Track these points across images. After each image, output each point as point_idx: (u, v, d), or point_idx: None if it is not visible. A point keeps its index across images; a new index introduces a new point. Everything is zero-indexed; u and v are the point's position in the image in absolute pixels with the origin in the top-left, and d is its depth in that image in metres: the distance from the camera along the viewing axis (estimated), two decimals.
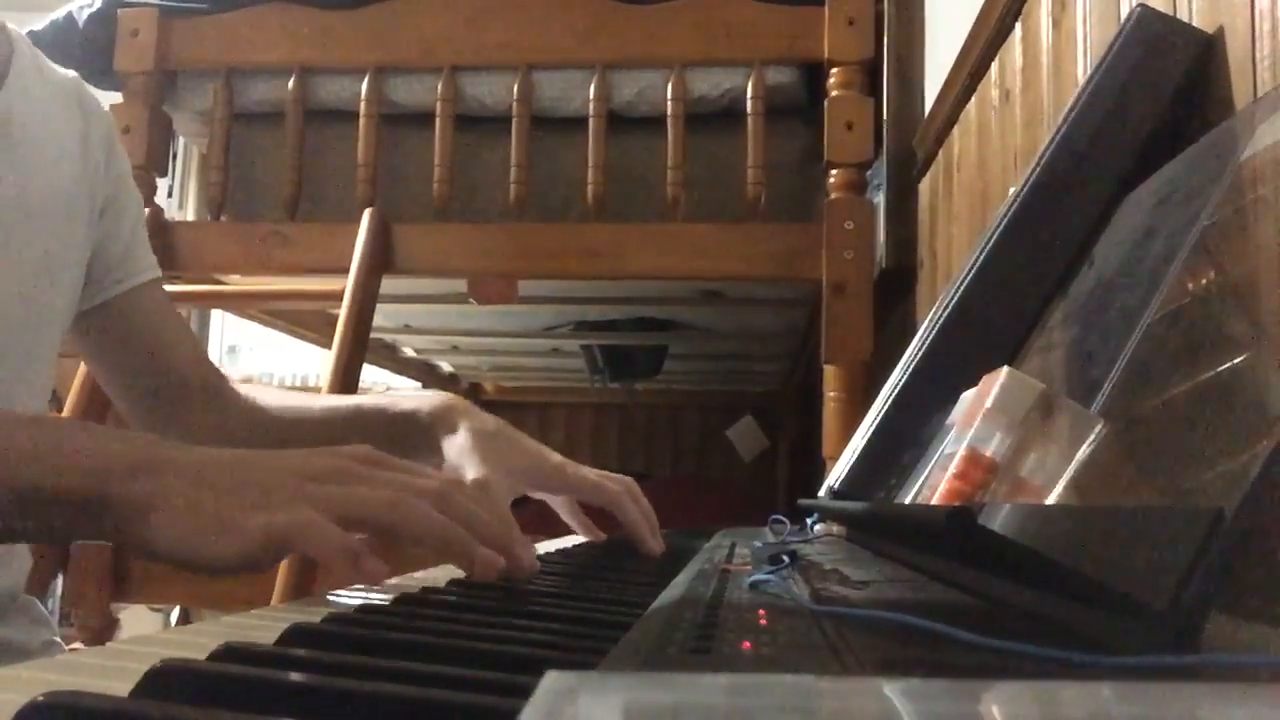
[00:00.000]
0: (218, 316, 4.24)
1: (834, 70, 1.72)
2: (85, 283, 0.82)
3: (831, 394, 1.65)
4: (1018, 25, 1.17)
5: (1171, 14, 0.71)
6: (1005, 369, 0.58)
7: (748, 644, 0.32)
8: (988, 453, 0.56)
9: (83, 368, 1.63)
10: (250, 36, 1.87)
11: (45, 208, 0.75)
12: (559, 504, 0.85)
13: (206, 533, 0.46)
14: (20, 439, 0.50)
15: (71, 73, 0.84)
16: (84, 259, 0.81)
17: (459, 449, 0.77)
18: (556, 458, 0.81)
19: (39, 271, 0.75)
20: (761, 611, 0.39)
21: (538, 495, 0.82)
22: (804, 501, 1.00)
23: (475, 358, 3.14)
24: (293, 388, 4.11)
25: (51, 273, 0.76)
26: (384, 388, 3.84)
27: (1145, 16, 0.71)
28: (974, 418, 0.58)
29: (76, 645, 1.36)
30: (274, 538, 0.45)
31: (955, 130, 1.49)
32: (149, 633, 0.40)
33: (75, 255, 0.79)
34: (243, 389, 0.92)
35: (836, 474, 0.89)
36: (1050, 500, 0.50)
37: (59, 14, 1.95)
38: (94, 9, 1.92)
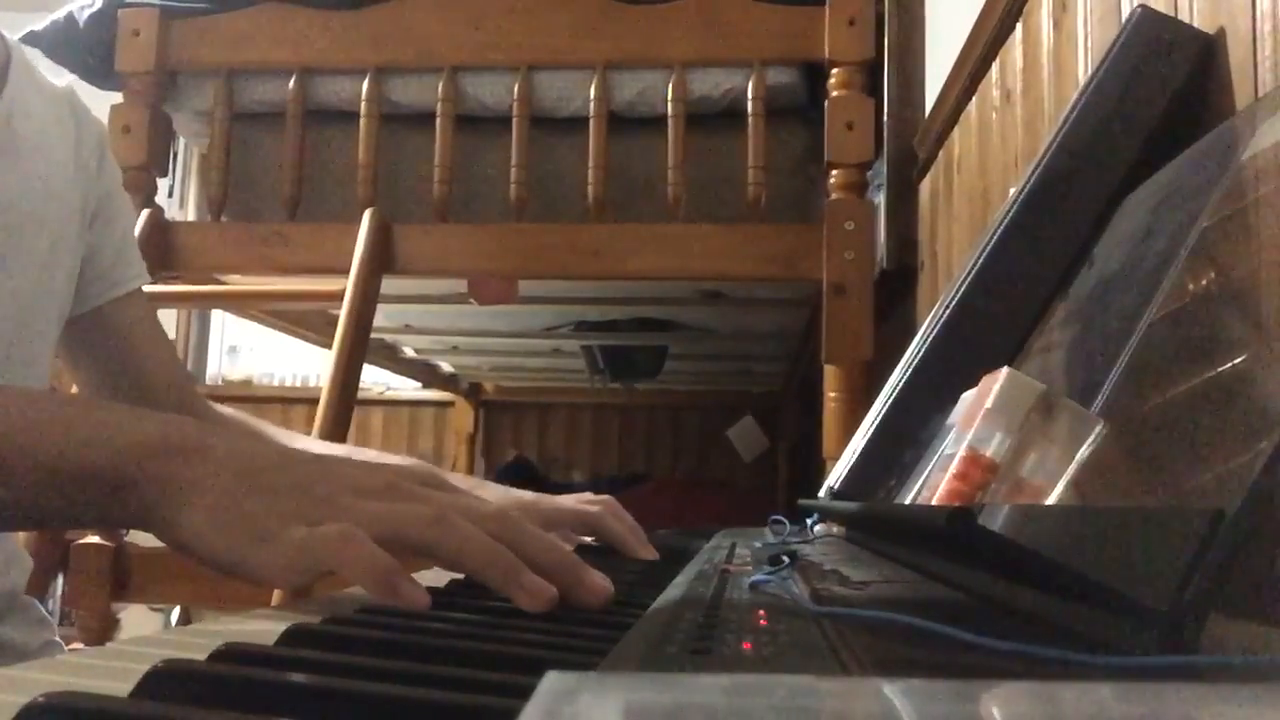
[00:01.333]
0: (218, 317, 4.24)
1: (834, 70, 1.72)
2: (75, 290, 0.82)
3: (832, 394, 1.65)
4: (1018, 26, 1.17)
5: (1172, 15, 0.71)
6: (1005, 369, 0.58)
7: (748, 644, 0.32)
8: (988, 453, 0.56)
9: None
10: (251, 37, 1.87)
11: (41, 213, 0.75)
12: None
13: (240, 537, 0.43)
14: (47, 414, 0.48)
15: (64, 82, 0.84)
16: (76, 265, 0.81)
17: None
18: (530, 495, 0.81)
19: (36, 277, 0.75)
20: (761, 612, 0.39)
21: None
22: (804, 502, 1.00)
23: (475, 358, 3.14)
24: (293, 388, 4.11)
25: (47, 278, 0.77)
26: (384, 388, 3.84)
27: (1146, 17, 0.71)
28: (974, 418, 0.58)
29: (76, 646, 1.36)
30: (312, 556, 0.43)
31: (956, 131, 1.49)
32: (149, 633, 0.40)
33: (68, 261, 0.80)
34: (224, 415, 0.92)
35: (836, 474, 0.89)
36: (1050, 501, 0.50)
37: (59, 14, 1.95)
38: (95, 9, 1.92)
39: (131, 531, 1.83)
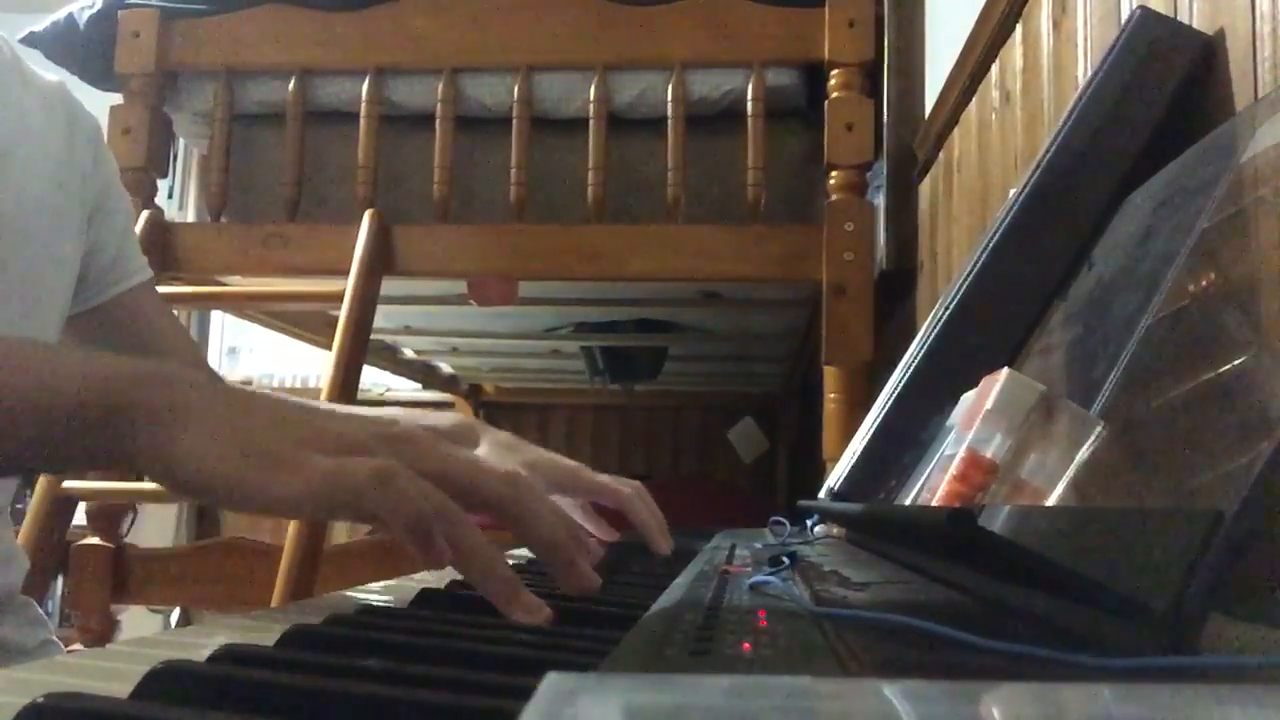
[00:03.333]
0: (218, 318, 4.24)
1: (834, 72, 1.72)
2: (78, 288, 0.82)
3: (831, 395, 1.65)
4: (1018, 27, 1.18)
5: (1172, 16, 0.71)
6: (1005, 370, 0.58)
7: (748, 645, 0.32)
8: (988, 454, 0.56)
9: None
10: (251, 38, 1.87)
11: (31, 215, 0.75)
12: (572, 506, 0.85)
13: (248, 461, 0.39)
14: (34, 354, 0.46)
15: (56, 78, 0.84)
16: (74, 264, 0.81)
17: (484, 455, 0.78)
18: (571, 462, 0.81)
19: (28, 279, 0.75)
20: (761, 613, 0.39)
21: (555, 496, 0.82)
22: (804, 503, 1.00)
23: (475, 359, 3.14)
24: (293, 389, 4.11)
25: (41, 279, 0.76)
26: (384, 389, 3.84)
27: (1146, 18, 0.71)
28: (974, 419, 0.58)
29: (76, 647, 1.36)
30: (343, 487, 0.38)
31: (955, 132, 1.49)
32: (149, 634, 0.40)
33: (65, 261, 0.79)
34: None
35: (836, 475, 0.89)
36: (1050, 502, 0.50)
37: (59, 15, 1.95)
38: (95, 10, 1.92)
39: (131, 532, 1.83)
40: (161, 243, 1.82)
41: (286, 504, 0.39)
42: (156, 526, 3.28)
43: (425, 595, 0.47)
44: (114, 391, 0.42)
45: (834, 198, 1.69)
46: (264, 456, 0.39)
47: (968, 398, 0.64)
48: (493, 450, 0.77)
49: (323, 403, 0.90)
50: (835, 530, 1.08)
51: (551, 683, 0.18)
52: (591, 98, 1.77)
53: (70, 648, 0.92)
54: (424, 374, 3.36)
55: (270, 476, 0.39)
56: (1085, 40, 0.92)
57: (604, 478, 0.81)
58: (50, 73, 0.85)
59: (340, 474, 0.39)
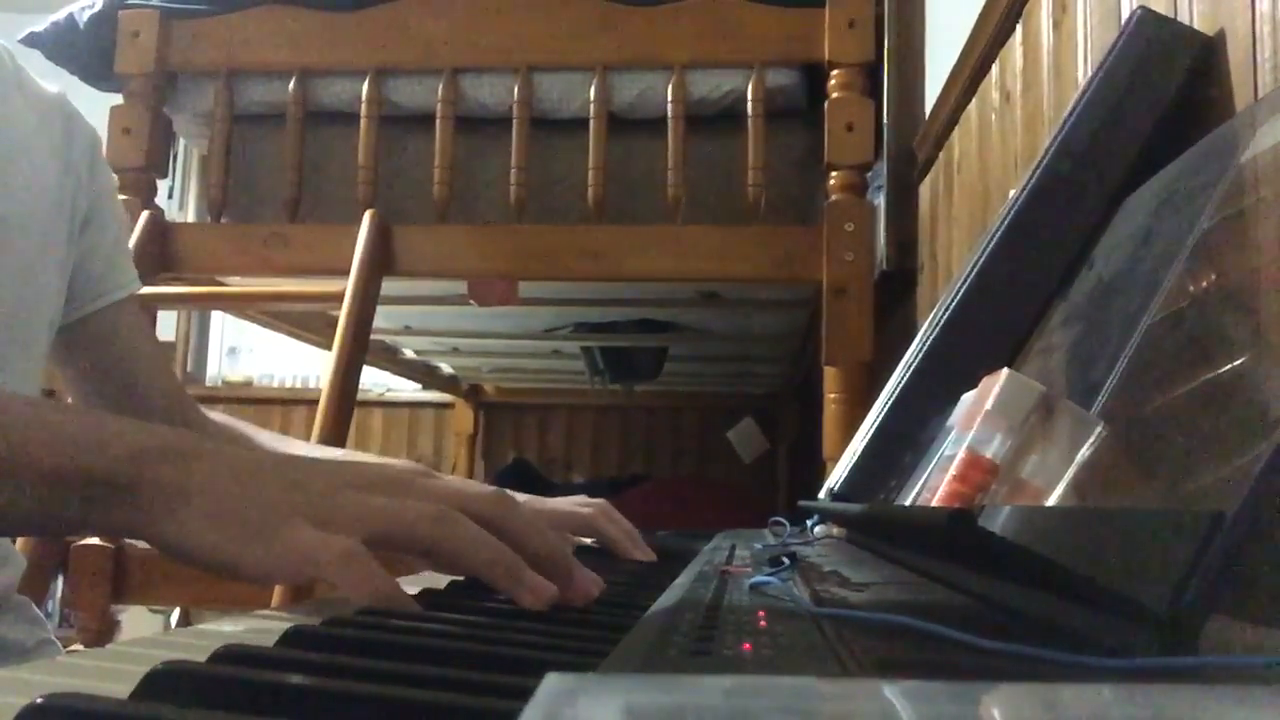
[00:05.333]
0: (218, 318, 4.25)
1: (834, 72, 1.72)
2: (66, 298, 0.82)
3: (832, 396, 1.65)
4: (1018, 27, 1.18)
5: (1172, 16, 0.71)
6: (1005, 371, 0.58)
7: (748, 646, 0.32)
8: (988, 455, 0.56)
9: None
10: (251, 38, 1.87)
11: (25, 225, 0.75)
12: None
13: (234, 535, 0.43)
14: (45, 420, 0.47)
15: (57, 88, 0.84)
16: (65, 274, 0.81)
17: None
18: (522, 497, 0.81)
19: (20, 286, 0.75)
20: (761, 613, 0.39)
21: None
22: (804, 503, 1.00)
23: (476, 359, 3.14)
24: (293, 390, 4.11)
25: (32, 287, 0.76)
26: (384, 390, 3.84)
27: (1146, 18, 0.71)
28: (974, 420, 0.58)
29: (76, 647, 1.36)
30: (311, 564, 0.42)
31: (956, 132, 1.49)
32: (149, 635, 0.40)
33: (55, 270, 0.79)
34: (217, 422, 0.92)
35: (836, 476, 0.89)
36: (1050, 502, 0.50)
37: (60, 15, 1.95)
38: (95, 10, 1.92)
39: None
40: (161, 243, 1.82)
41: (266, 574, 0.43)
42: None
43: (425, 596, 0.47)
44: (120, 470, 0.44)
45: (834, 198, 1.69)
46: (248, 530, 0.43)
47: (968, 398, 0.64)
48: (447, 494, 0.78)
49: (308, 452, 0.91)
50: (835, 530, 1.08)
51: (551, 683, 0.18)
52: (592, 98, 1.77)
53: (70, 648, 0.92)
54: (424, 374, 3.36)
55: (252, 549, 0.43)
56: (1085, 40, 0.92)
57: (564, 504, 0.81)
58: (51, 76, 0.85)
59: (310, 554, 0.42)
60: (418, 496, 0.46)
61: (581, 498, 0.83)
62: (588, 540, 0.88)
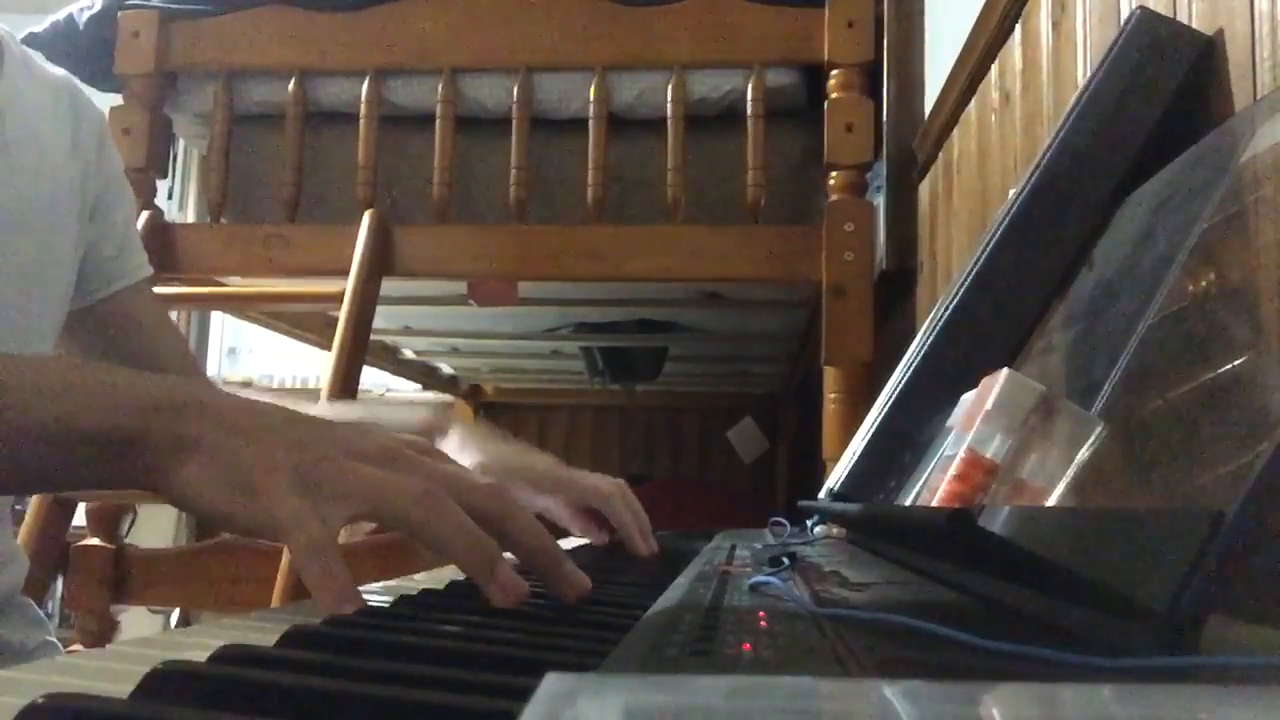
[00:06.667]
0: (218, 319, 4.25)
1: (834, 72, 1.72)
2: (78, 283, 0.82)
3: (831, 396, 1.65)
4: (1017, 27, 1.18)
5: (1171, 16, 0.71)
6: (1005, 371, 0.58)
7: (748, 646, 0.32)
8: (988, 455, 0.56)
9: None
10: (250, 39, 1.87)
11: (34, 209, 0.75)
12: (556, 505, 0.85)
13: (228, 493, 0.44)
14: (51, 377, 0.48)
15: (62, 71, 0.84)
16: (75, 259, 0.81)
17: (455, 449, 0.78)
18: (550, 459, 0.81)
19: (29, 273, 0.75)
20: (761, 613, 0.39)
21: (535, 498, 0.82)
22: (804, 503, 1.00)
23: (475, 360, 3.14)
24: (293, 389, 4.11)
25: (42, 273, 0.76)
26: (384, 390, 3.84)
27: (1145, 18, 0.71)
28: (974, 419, 0.58)
29: (76, 647, 1.36)
30: (282, 532, 0.43)
31: (955, 132, 1.49)
32: (149, 635, 0.40)
33: (65, 256, 0.79)
34: None
35: (836, 476, 0.89)
36: (1050, 502, 0.50)
37: (59, 15, 1.95)
38: (94, 11, 1.92)
39: (131, 533, 1.83)
40: (161, 243, 1.82)
41: (247, 532, 0.45)
42: (156, 527, 3.28)
43: (425, 595, 0.47)
44: (129, 423, 0.46)
45: (834, 198, 1.69)
46: (234, 486, 0.44)
47: (968, 398, 0.64)
48: (463, 442, 0.78)
49: (311, 410, 0.91)
50: (835, 530, 1.08)
51: (551, 683, 0.18)
52: (591, 98, 1.77)
53: (70, 648, 0.92)
54: (424, 375, 3.36)
55: (236, 506, 0.44)
56: (1085, 40, 0.92)
57: (584, 476, 0.81)
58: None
59: (285, 530, 0.43)
60: (413, 473, 0.46)
61: (604, 476, 0.83)
62: (590, 540, 0.88)
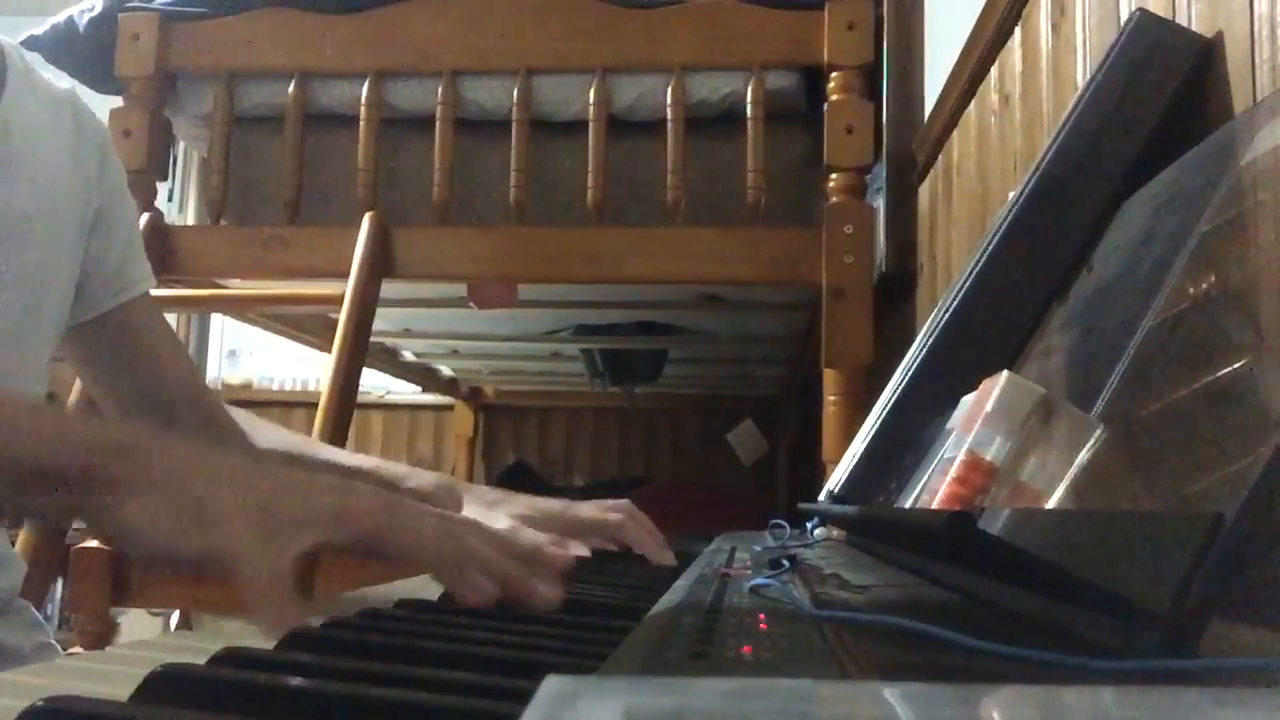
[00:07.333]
0: (218, 321, 4.24)
1: (834, 74, 1.72)
2: (79, 296, 0.82)
3: (831, 398, 1.65)
4: (1017, 30, 1.18)
5: (1171, 18, 0.71)
6: (1005, 373, 0.58)
7: (748, 648, 0.32)
8: (988, 457, 0.56)
9: None
10: (250, 41, 1.87)
11: (35, 221, 0.75)
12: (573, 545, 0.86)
13: (174, 529, 0.44)
14: (20, 420, 0.50)
15: (66, 84, 0.84)
16: (74, 272, 0.81)
17: (479, 510, 0.79)
18: (558, 504, 0.83)
19: (28, 285, 0.75)
20: (761, 616, 0.39)
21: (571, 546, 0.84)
22: (804, 505, 1.00)
23: (475, 361, 3.14)
24: (293, 392, 4.11)
25: (41, 285, 0.76)
26: (384, 391, 3.84)
27: (1144, 21, 0.71)
28: (974, 422, 0.58)
29: (76, 650, 1.36)
30: (235, 572, 0.42)
31: (955, 134, 1.50)
32: (149, 637, 0.40)
33: (65, 268, 0.79)
34: (238, 417, 0.92)
35: (836, 478, 0.89)
36: (1050, 505, 0.50)
37: (59, 18, 1.95)
38: (95, 13, 1.92)
39: None
40: (161, 246, 1.82)
41: (195, 566, 0.45)
42: None
43: (424, 599, 0.47)
44: (82, 463, 0.47)
45: (834, 200, 1.69)
46: (181, 522, 0.45)
47: (967, 400, 0.64)
48: (478, 510, 0.79)
49: (341, 459, 0.93)
50: (835, 533, 1.08)
51: (551, 685, 0.18)
52: (591, 100, 1.77)
53: (70, 651, 0.92)
54: (424, 377, 3.36)
55: (183, 541, 0.44)
56: (1084, 43, 0.92)
57: (590, 511, 0.82)
58: (54, 78, 0.84)
59: (225, 563, 0.43)
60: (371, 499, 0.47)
61: (608, 502, 0.84)
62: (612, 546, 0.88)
